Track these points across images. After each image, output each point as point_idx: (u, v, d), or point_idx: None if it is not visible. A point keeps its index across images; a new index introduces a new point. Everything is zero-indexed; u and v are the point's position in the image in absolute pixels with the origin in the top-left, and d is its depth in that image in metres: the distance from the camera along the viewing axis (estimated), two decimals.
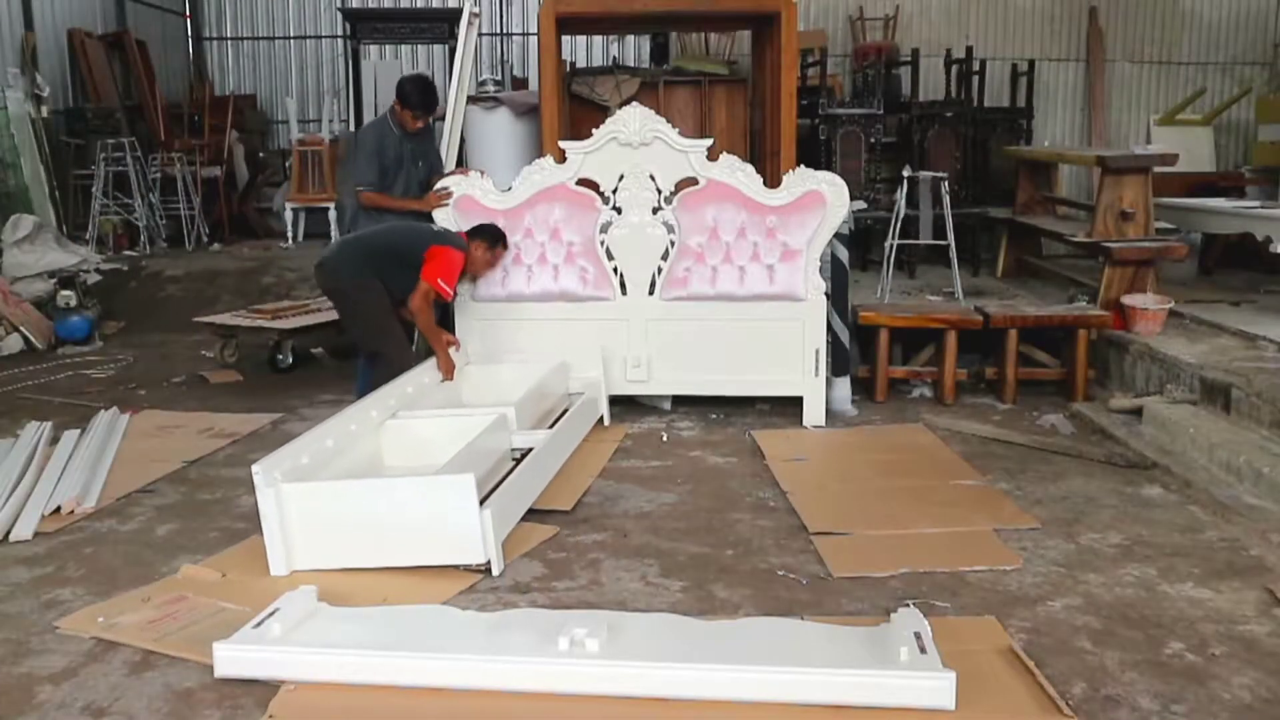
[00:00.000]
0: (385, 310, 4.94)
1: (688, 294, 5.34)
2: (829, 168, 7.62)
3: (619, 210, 5.36)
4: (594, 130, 5.38)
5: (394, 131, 5.49)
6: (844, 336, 5.57)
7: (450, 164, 6.09)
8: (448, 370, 5.04)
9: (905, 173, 7.30)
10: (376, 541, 3.46)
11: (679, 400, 5.58)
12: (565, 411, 4.95)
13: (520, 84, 10.54)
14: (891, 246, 7.03)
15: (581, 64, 10.95)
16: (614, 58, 10.92)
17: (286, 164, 10.74)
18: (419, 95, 5.45)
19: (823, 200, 5.21)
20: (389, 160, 5.46)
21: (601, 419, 5.24)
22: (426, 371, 4.99)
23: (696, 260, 5.33)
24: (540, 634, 2.83)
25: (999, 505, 4.13)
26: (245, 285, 8.52)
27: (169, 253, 9.40)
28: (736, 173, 5.29)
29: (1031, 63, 9.65)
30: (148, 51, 10.78)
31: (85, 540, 3.85)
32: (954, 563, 3.53)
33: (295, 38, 12.28)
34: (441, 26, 9.31)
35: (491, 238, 5.22)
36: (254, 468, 3.45)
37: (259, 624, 2.86)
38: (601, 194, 5.37)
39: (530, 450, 4.24)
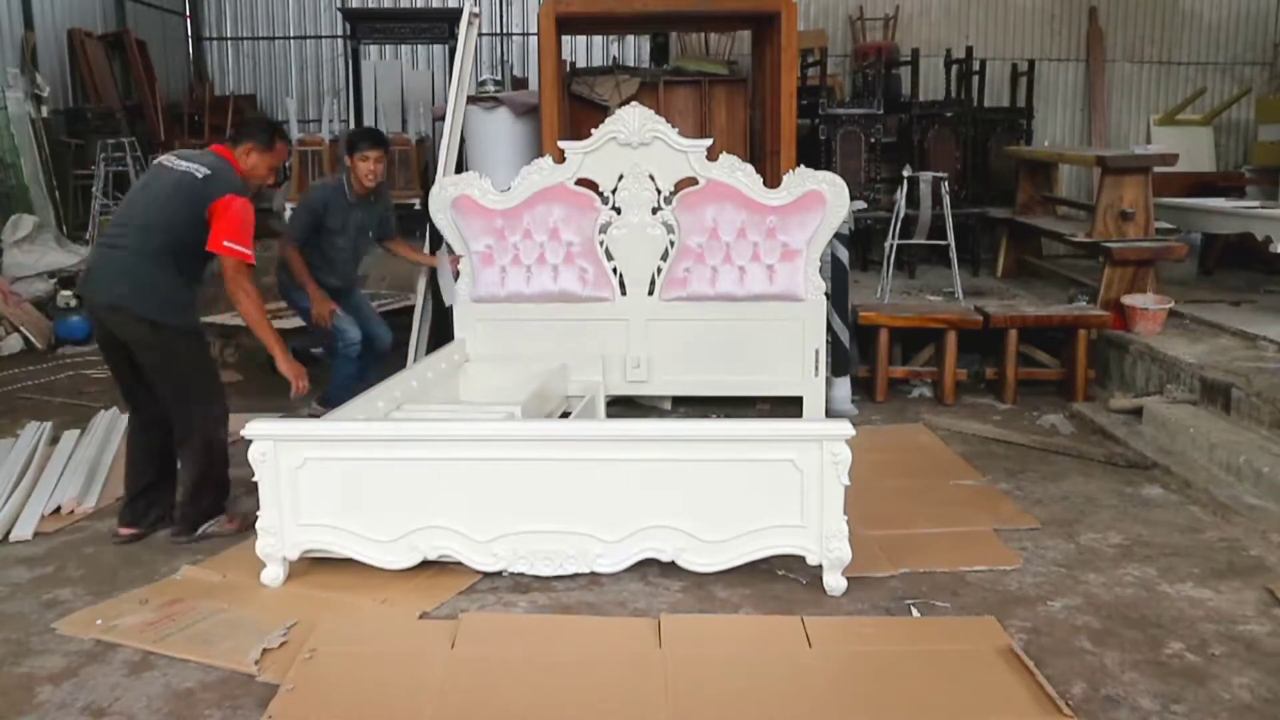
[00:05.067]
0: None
1: (687, 294, 5.34)
2: (829, 168, 7.62)
3: (618, 210, 5.35)
4: (594, 130, 5.36)
5: (345, 198, 5.32)
6: (844, 336, 5.57)
7: (449, 168, 5.79)
8: (296, 376, 4.07)
9: (905, 173, 7.29)
10: None
11: (679, 401, 5.58)
12: (565, 415, 4.95)
13: (520, 84, 10.52)
14: (891, 246, 7.03)
15: (581, 64, 10.93)
16: (614, 58, 10.92)
17: (286, 164, 10.73)
18: (362, 134, 5.42)
19: (823, 200, 5.20)
20: (333, 224, 5.29)
21: None
22: (434, 363, 4.99)
23: (696, 260, 5.32)
24: None
25: (999, 505, 4.13)
26: None
27: None
28: (736, 173, 5.28)
29: (1031, 63, 9.65)
30: (148, 51, 10.77)
31: (85, 540, 3.86)
32: (954, 563, 3.54)
33: (295, 38, 12.27)
34: (441, 26, 9.29)
35: (264, 134, 4.01)
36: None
37: None
38: (600, 194, 5.36)
39: None
